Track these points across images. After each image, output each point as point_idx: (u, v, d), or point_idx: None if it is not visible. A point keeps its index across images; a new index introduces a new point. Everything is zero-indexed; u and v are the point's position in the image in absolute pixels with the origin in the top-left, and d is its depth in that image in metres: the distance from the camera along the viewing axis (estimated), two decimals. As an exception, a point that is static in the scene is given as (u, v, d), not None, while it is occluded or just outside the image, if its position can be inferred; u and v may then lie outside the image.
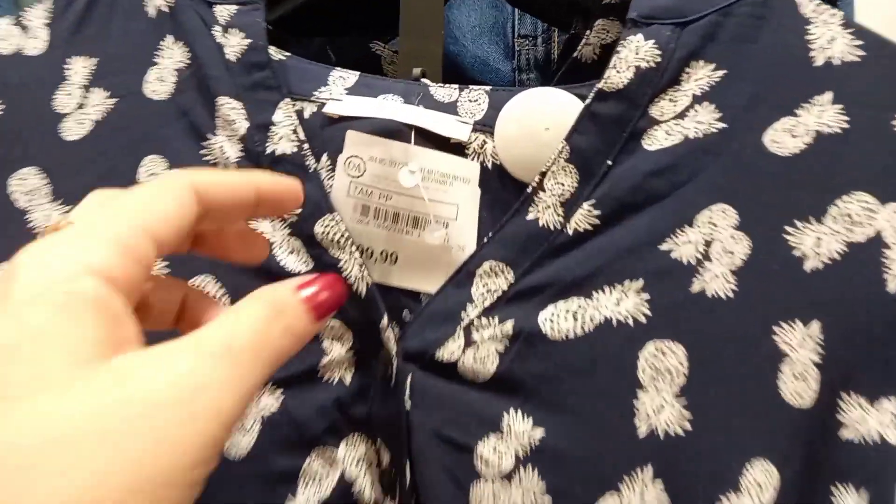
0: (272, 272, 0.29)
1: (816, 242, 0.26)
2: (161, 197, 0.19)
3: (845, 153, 0.27)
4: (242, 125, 0.29)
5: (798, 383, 0.26)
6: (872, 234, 0.26)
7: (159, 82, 0.31)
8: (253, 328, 0.18)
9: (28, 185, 0.31)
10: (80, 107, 0.32)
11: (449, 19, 0.45)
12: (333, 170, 0.29)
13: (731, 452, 0.26)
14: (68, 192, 0.31)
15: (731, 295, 0.26)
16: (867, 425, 0.26)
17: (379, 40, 0.41)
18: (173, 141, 0.31)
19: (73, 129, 0.31)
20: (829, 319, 0.26)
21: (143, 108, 0.31)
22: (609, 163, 0.27)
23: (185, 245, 0.21)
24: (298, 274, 0.28)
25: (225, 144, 0.30)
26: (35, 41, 0.33)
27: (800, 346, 0.26)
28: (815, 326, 0.26)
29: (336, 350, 0.28)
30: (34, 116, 0.32)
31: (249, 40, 0.30)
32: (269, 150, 0.29)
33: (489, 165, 0.29)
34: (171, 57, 0.31)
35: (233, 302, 0.28)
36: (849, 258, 0.26)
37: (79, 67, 0.32)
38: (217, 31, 0.31)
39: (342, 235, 0.28)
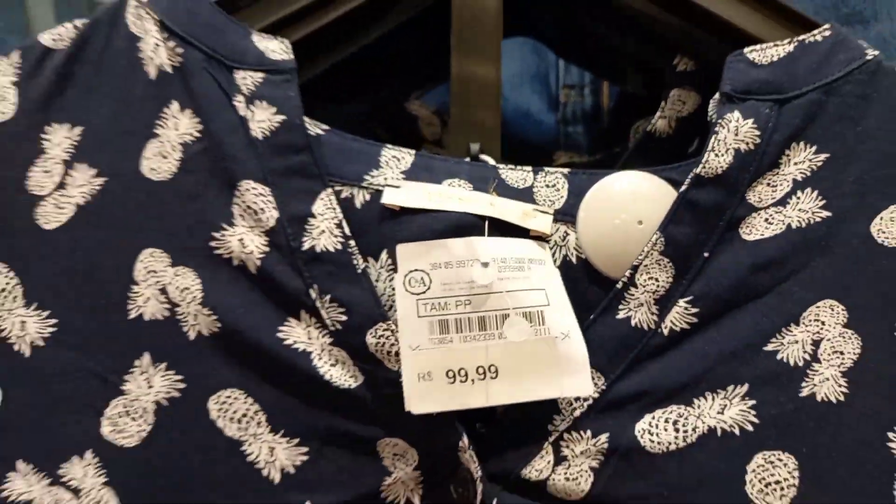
0: (316, 385, 0.27)
1: (932, 339, 0.26)
2: None
3: (958, 243, 0.27)
4: (271, 216, 0.28)
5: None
6: None
7: (160, 158, 0.29)
8: None
9: None
10: (60, 187, 0.29)
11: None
12: (394, 270, 0.27)
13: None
14: (44, 295, 0.28)
15: (842, 399, 0.26)
16: None
17: (412, 92, 0.40)
18: (177, 231, 0.28)
19: (52, 215, 0.29)
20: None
21: (139, 190, 0.29)
22: (706, 255, 0.27)
23: None
24: (347, 389, 0.27)
25: (245, 237, 0.28)
26: (2, 104, 0.30)
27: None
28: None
29: (400, 469, 0.27)
30: (2, 198, 0.29)
31: (282, 116, 0.28)
32: (305, 247, 0.27)
33: (573, 259, 0.28)
34: (177, 128, 0.29)
35: (268, 421, 0.27)
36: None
37: (60, 138, 0.29)
38: (239, 102, 0.29)
39: (397, 347, 0.26)
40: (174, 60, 0.29)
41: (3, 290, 0.28)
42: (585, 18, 0.37)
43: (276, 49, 0.30)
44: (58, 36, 0.30)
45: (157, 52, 0.29)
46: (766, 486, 0.26)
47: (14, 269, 0.28)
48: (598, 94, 0.49)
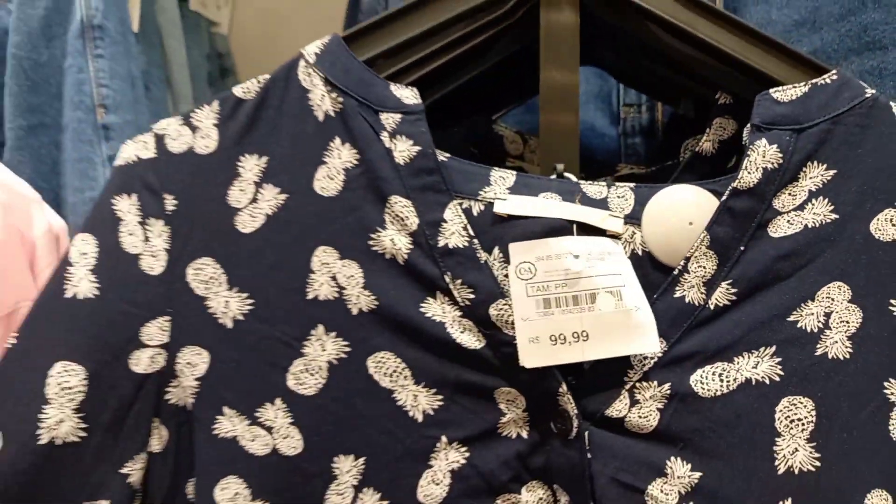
0: (449, 347, 0.37)
1: (916, 312, 0.35)
2: None
3: (937, 237, 0.35)
4: (413, 221, 0.37)
5: (905, 426, 0.35)
6: (961, 303, 0.35)
7: (328, 180, 0.39)
8: None
9: (205, 274, 0.39)
10: (253, 201, 0.39)
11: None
12: (505, 261, 0.37)
13: (854, 485, 0.34)
14: (243, 281, 0.39)
15: (848, 357, 0.35)
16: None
17: (492, 115, 0.50)
18: (343, 233, 0.38)
19: (248, 222, 0.39)
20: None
21: (313, 204, 0.39)
22: (742, 248, 0.36)
23: None
24: (473, 349, 0.36)
25: (395, 237, 0.38)
26: (205, 140, 0.40)
27: (903, 396, 0.35)
28: (916, 380, 0.35)
29: (512, 411, 0.37)
30: (209, 210, 0.39)
31: (418, 147, 0.38)
32: (440, 244, 0.37)
33: (639, 252, 0.37)
34: (340, 157, 0.39)
35: (412, 376, 0.36)
36: (943, 324, 0.35)
37: (251, 165, 0.40)
38: (385, 137, 0.38)
39: (512, 317, 0.36)
40: (336, 107, 0.39)
41: (213, 277, 0.39)
42: (642, 59, 0.46)
43: (409, 96, 0.39)
44: (246, 89, 0.40)
45: (323, 101, 0.39)
46: (790, 422, 0.35)
47: (220, 262, 0.39)
48: (653, 111, 0.58)
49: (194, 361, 0.38)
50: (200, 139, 0.40)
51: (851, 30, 0.53)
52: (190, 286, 0.38)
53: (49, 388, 0.36)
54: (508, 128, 0.52)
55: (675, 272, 0.36)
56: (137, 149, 0.40)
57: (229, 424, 0.38)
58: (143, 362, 0.38)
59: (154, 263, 0.39)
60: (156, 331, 0.38)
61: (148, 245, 0.39)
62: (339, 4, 0.95)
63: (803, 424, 0.35)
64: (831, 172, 0.36)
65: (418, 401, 0.37)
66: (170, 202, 0.39)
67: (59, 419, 0.36)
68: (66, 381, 0.37)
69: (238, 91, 0.40)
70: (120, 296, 0.38)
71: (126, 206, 0.39)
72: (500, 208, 0.37)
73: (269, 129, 0.40)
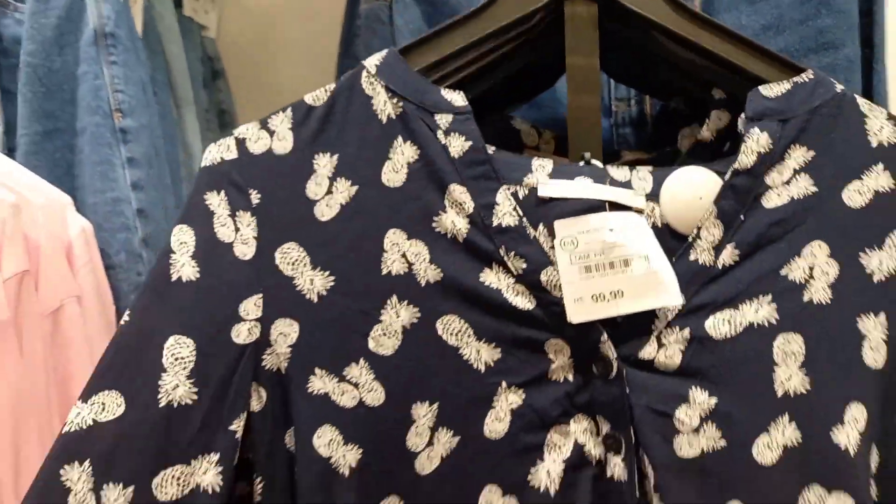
0: (505, 309, 0.44)
1: (880, 262, 0.44)
2: None
3: (893, 203, 0.45)
4: (470, 205, 0.45)
5: (874, 353, 0.44)
6: (913, 254, 0.44)
7: (393, 173, 0.46)
8: None
9: (291, 257, 0.46)
10: (328, 193, 0.46)
11: (554, 89, 0.61)
12: (550, 237, 0.44)
13: (837, 400, 0.43)
14: (323, 260, 0.45)
15: (829, 301, 0.44)
16: (919, 377, 0.44)
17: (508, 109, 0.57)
18: (409, 217, 0.46)
19: (325, 212, 0.46)
20: (891, 311, 0.44)
21: (381, 194, 0.46)
22: (742, 218, 0.44)
23: None
24: (526, 309, 0.44)
25: (455, 220, 0.45)
26: (282, 142, 0.47)
27: (874, 330, 0.44)
28: (882, 316, 0.44)
29: (560, 359, 0.45)
30: (290, 202, 0.46)
31: (470, 142, 0.46)
32: (495, 224, 0.45)
33: (659, 224, 0.45)
34: (403, 154, 0.46)
35: (475, 334, 0.44)
36: (900, 271, 0.44)
37: (325, 162, 0.47)
38: (441, 136, 0.46)
39: (559, 281, 0.44)
40: (396, 111, 0.46)
41: (298, 259, 0.45)
42: (644, 63, 0.54)
43: (457, 98, 0.47)
44: (315, 97, 0.47)
45: (385, 106, 0.46)
46: (785, 354, 0.44)
47: (303, 246, 0.45)
48: (642, 105, 0.66)
49: (286, 331, 0.45)
50: (278, 141, 0.47)
51: (810, 33, 0.62)
52: (278, 268, 0.45)
53: (165, 359, 0.43)
54: (525, 122, 0.59)
55: (690, 239, 0.45)
56: (221, 151, 0.47)
57: (321, 383, 0.44)
58: (242, 334, 0.44)
59: (246, 250, 0.45)
60: (251, 307, 0.44)
61: (239, 234, 0.45)
62: (323, 7, 1.01)
63: (796, 356, 0.44)
64: (811, 154, 0.45)
65: (481, 355, 0.44)
66: (254, 196, 0.46)
67: (175, 384, 0.43)
68: (178, 352, 0.43)
69: (308, 99, 0.47)
70: (218, 278, 0.44)
71: (216, 201, 0.46)
72: (543, 192, 0.45)
73: (337, 131, 0.47)
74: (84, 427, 0.43)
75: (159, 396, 0.43)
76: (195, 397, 0.43)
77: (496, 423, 0.44)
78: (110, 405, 0.43)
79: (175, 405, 0.43)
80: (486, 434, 0.44)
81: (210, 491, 0.43)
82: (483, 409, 0.44)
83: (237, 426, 0.44)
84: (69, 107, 0.82)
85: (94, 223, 0.76)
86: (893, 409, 0.45)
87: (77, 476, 0.42)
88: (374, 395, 0.44)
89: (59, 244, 0.72)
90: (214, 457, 0.43)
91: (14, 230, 0.67)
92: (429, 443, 0.44)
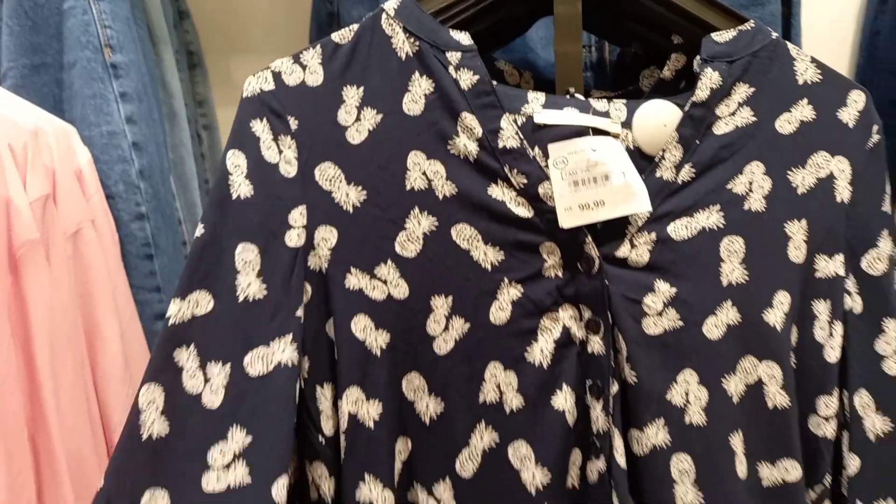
0: (508, 217, 0.54)
1: (803, 178, 0.56)
2: None
3: (815, 131, 0.56)
4: (478, 130, 0.54)
5: (797, 251, 0.56)
6: (828, 173, 0.56)
7: (413, 103, 0.54)
8: None
9: (328, 175, 0.54)
10: (357, 120, 0.54)
11: (525, 36, 0.69)
12: (544, 157, 0.54)
13: (768, 288, 0.55)
14: (357, 177, 0.54)
15: (764, 210, 0.55)
16: (828, 268, 0.56)
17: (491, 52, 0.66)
18: (427, 141, 0.54)
19: (355, 136, 0.54)
20: (810, 217, 0.56)
21: (403, 121, 0.54)
22: (697, 142, 0.55)
23: None
24: (526, 217, 0.54)
25: (467, 143, 0.54)
26: (314, 76, 0.54)
27: (797, 233, 0.56)
28: (804, 222, 0.56)
29: (551, 258, 0.54)
30: (324, 128, 0.54)
31: (477, 76, 0.54)
32: (500, 146, 0.54)
33: (631, 147, 0.55)
34: (420, 86, 0.54)
35: (482, 239, 0.53)
36: (818, 186, 0.56)
37: (352, 93, 0.54)
38: (452, 70, 0.54)
39: (553, 194, 0.53)
40: (413, 49, 0.54)
41: (334, 176, 0.53)
42: (609, 14, 0.63)
43: (464, 38, 0.55)
44: (342, 36, 0.54)
45: (403, 45, 0.54)
46: (729, 253, 0.55)
47: (338, 165, 0.53)
48: (601, 50, 0.76)
49: (327, 237, 0.53)
50: (310, 75, 0.54)
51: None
52: (318, 183, 0.53)
53: (237, 263, 0.51)
54: (507, 63, 0.68)
55: (656, 160, 0.55)
56: (259, 83, 0.54)
57: (355, 280, 0.53)
58: (293, 239, 0.52)
59: (289, 169, 0.53)
60: (298, 216, 0.52)
61: (282, 156, 0.53)
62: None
63: (738, 254, 0.55)
64: (752, 90, 0.56)
65: (487, 256, 0.54)
66: (293, 122, 0.53)
67: (248, 283, 0.51)
68: (246, 256, 0.51)
69: (335, 37, 0.54)
70: (269, 193, 0.52)
71: (260, 128, 0.53)
72: (539, 119, 0.54)
73: (362, 66, 0.54)
74: (185, 320, 0.51)
75: (237, 293, 0.51)
76: (266, 293, 0.51)
77: (499, 312, 0.54)
78: (202, 302, 0.51)
79: (251, 300, 0.51)
80: (492, 320, 0.54)
81: (289, 365, 0.51)
82: (489, 300, 0.54)
83: (300, 313, 0.52)
84: (55, 41, 0.84)
85: (91, 155, 0.81)
86: (810, 296, 0.57)
87: (186, 357, 0.50)
88: (400, 289, 0.53)
89: (71, 170, 0.76)
90: (288, 338, 0.51)
91: (35, 155, 0.71)
92: (445, 328, 0.54)
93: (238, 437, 0.50)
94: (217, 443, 0.50)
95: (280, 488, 0.50)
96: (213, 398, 0.50)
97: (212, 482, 0.49)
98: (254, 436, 0.50)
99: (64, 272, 0.69)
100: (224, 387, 0.50)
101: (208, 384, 0.50)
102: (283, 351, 0.51)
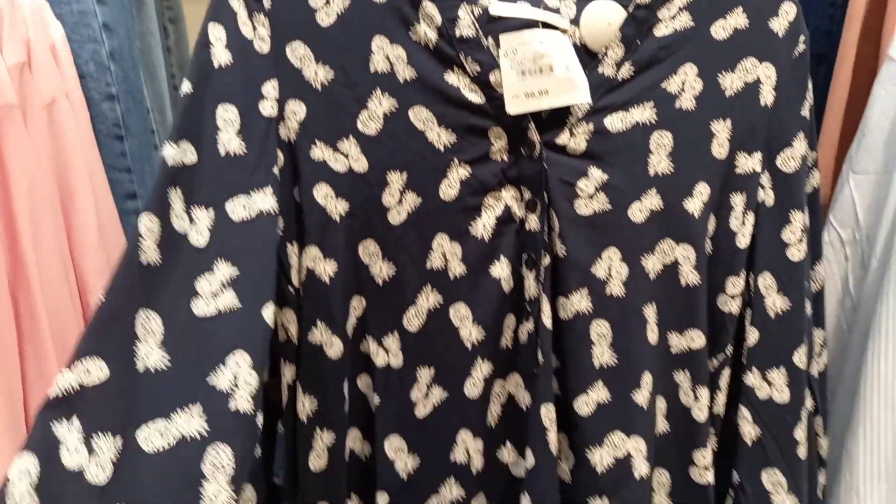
0: (461, 102, 0.59)
1: (731, 81, 0.61)
2: None
3: (746, 37, 0.61)
4: (438, 18, 0.58)
5: (720, 148, 0.62)
6: (755, 78, 0.62)
7: None
8: None
9: (299, 53, 0.59)
10: (326, 4, 0.59)
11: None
12: (497, 47, 0.59)
13: (691, 178, 0.62)
14: (325, 57, 0.59)
15: (693, 108, 0.61)
16: (747, 165, 0.63)
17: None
18: (391, 26, 0.59)
19: (324, 19, 0.59)
20: (735, 118, 0.62)
21: (369, 7, 0.59)
22: (639, 42, 0.60)
23: None
24: (477, 103, 0.59)
25: (427, 30, 0.59)
26: None
27: (721, 131, 0.62)
28: (729, 121, 0.62)
29: (498, 143, 0.60)
30: (296, 9, 0.58)
31: None
32: (457, 34, 0.58)
33: (578, 43, 0.60)
34: None
35: (437, 122, 0.59)
36: (745, 89, 0.62)
37: None
38: None
39: (502, 81, 0.58)
40: None
41: (305, 55, 0.58)
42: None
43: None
44: None
45: None
46: (658, 146, 0.61)
47: (308, 45, 0.58)
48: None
49: (296, 110, 0.58)
50: None
51: None
52: (289, 60, 0.58)
53: (219, 121, 0.56)
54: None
55: (599, 56, 0.60)
56: (236, -37, 0.58)
57: (320, 152, 0.59)
58: (266, 109, 0.58)
59: (263, 45, 0.58)
60: (271, 89, 0.58)
61: (256, 33, 0.57)
62: None
63: (665, 147, 0.61)
64: (692, -4, 0.61)
65: (441, 137, 0.60)
66: (266, 2, 0.58)
67: (229, 139, 0.56)
68: (227, 116, 0.56)
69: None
70: (246, 64, 0.57)
71: (237, 4, 0.57)
72: (493, 11, 0.59)
73: None
74: (178, 165, 0.56)
75: (219, 147, 0.56)
76: (245, 150, 0.57)
77: (448, 189, 0.60)
78: (188, 152, 0.56)
79: (232, 154, 0.57)
80: (441, 196, 0.60)
81: (271, 213, 0.58)
82: (440, 178, 0.60)
83: (276, 171, 0.58)
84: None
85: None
86: (728, 189, 0.64)
87: (175, 198, 0.56)
88: (360, 163, 0.59)
89: (46, 43, 0.80)
90: (268, 190, 0.58)
91: (11, 24, 0.74)
92: (399, 201, 0.60)
93: (224, 270, 0.57)
94: (204, 274, 0.56)
95: (269, 313, 0.57)
96: (199, 238, 0.56)
97: (202, 307, 0.56)
98: (240, 269, 0.57)
99: (41, 139, 0.73)
100: (209, 229, 0.57)
101: (194, 226, 0.56)
102: (263, 201, 0.58)
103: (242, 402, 0.54)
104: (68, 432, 0.52)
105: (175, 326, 0.55)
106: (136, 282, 0.56)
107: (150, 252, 0.56)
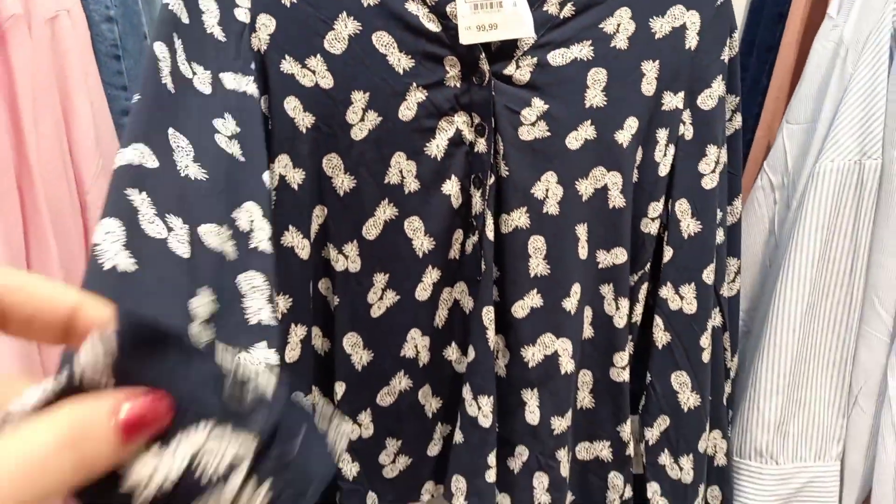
0: (420, 29, 0.65)
1: (661, 26, 0.69)
2: None
3: (675, -13, 0.69)
4: None
5: (648, 85, 0.70)
6: (682, 24, 0.69)
7: None
8: (33, 454, 0.19)
9: None
10: None
11: None
12: None
13: (622, 112, 0.69)
14: None
15: (626, 48, 0.69)
16: (671, 102, 0.71)
17: None
18: None
19: None
20: (662, 59, 0.70)
21: None
22: (581, -14, 0.67)
23: None
24: (434, 31, 0.66)
25: None
26: None
27: (650, 70, 0.70)
28: (657, 62, 0.70)
29: (452, 70, 0.67)
30: None
31: None
32: None
33: (527, -17, 0.67)
34: None
35: (398, 47, 0.65)
36: (672, 33, 0.69)
37: None
38: None
39: (457, 13, 0.65)
40: None
41: None
42: None
43: None
44: None
45: None
46: (594, 81, 0.68)
47: None
48: None
49: (267, 24, 0.64)
50: None
51: None
52: None
53: (202, 6, 0.61)
54: None
55: (545, -4, 0.67)
56: None
57: (288, 66, 0.65)
58: (241, 15, 0.63)
59: None
60: (244, 0, 0.63)
61: None
62: None
63: (600, 82, 0.69)
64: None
65: (401, 62, 0.66)
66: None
67: (213, 24, 0.61)
68: (209, 6, 0.61)
69: None
70: None
71: None
72: (451, -49, 0.65)
73: None
74: (174, 22, 0.60)
75: (206, 27, 0.61)
76: (225, 38, 0.62)
77: (406, 111, 0.67)
78: (184, 17, 0.60)
79: (215, 37, 0.62)
80: (400, 117, 0.67)
81: (254, 97, 0.64)
82: (399, 100, 0.67)
83: (253, 65, 0.64)
84: None
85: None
86: (655, 124, 0.72)
87: (179, 47, 0.60)
88: (326, 80, 0.65)
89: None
90: (251, 77, 0.63)
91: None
92: (361, 119, 0.66)
93: (230, 121, 0.62)
94: (217, 117, 0.61)
95: (266, 180, 0.63)
96: (203, 87, 0.61)
97: (223, 142, 0.61)
98: (240, 127, 0.62)
99: (43, 51, 0.77)
100: (210, 83, 0.62)
101: (196, 76, 0.61)
102: (249, 85, 0.63)
103: (262, 242, 0.60)
104: (142, 204, 0.55)
105: (202, 149, 0.60)
106: (161, 98, 0.59)
107: (166, 79, 0.59)
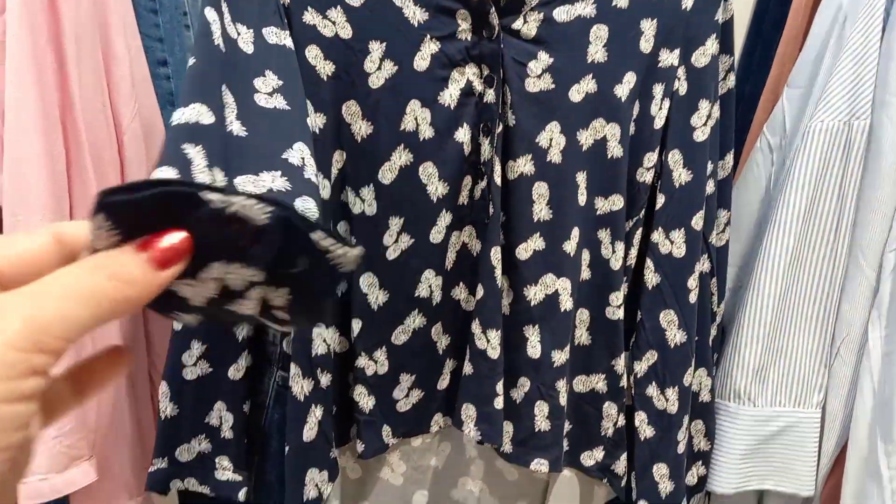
0: None
1: (659, -13, 0.74)
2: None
3: (673, -50, 0.73)
4: None
5: (646, 43, 0.75)
6: (678, -16, 0.74)
7: None
8: (71, 273, 0.23)
9: None
10: None
11: None
12: None
13: (621, 68, 0.74)
14: None
15: (626, 6, 0.73)
16: (667, 59, 0.76)
17: None
18: None
19: None
20: (660, 18, 0.74)
21: None
22: (585, -54, 0.71)
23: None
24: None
25: None
26: None
27: (648, 28, 0.74)
28: (655, 21, 0.74)
29: (464, 24, 0.71)
30: None
31: None
32: None
33: (535, -57, 0.71)
34: None
35: (414, 2, 0.69)
36: (669, -6, 0.74)
37: None
38: None
39: None
40: None
41: None
42: None
43: None
44: None
45: None
46: (596, 37, 0.73)
47: None
48: None
49: None
50: None
51: None
52: None
53: None
54: None
55: (552, -45, 0.71)
56: None
57: (310, 17, 0.69)
58: None
59: None
60: (270, -42, 0.67)
61: None
62: None
63: (602, 38, 0.73)
64: None
65: (416, 15, 0.70)
66: None
67: None
68: None
69: None
70: None
71: None
72: None
73: None
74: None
75: None
76: None
77: (421, 61, 0.71)
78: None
79: None
80: (415, 67, 0.71)
81: (291, 49, 0.68)
82: (414, 50, 0.71)
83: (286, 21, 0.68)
84: None
85: None
86: (651, 80, 0.76)
87: (225, 8, 0.65)
88: (346, 30, 0.69)
89: None
90: (286, 31, 0.68)
91: None
92: (378, 67, 0.70)
93: (272, 77, 0.66)
94: (258, 76, 0.66)
95: (310, 124, 0.67)
96: (246, 47, 0.66)
97: (262, 100, 0.65)
98: (282, 80, 0.66)
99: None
100: (252, 42, 0.66)
101: (241, 37, 0.66)
102: (285, 38, 0.68)
103: (312, 175, 0.65)
104: (196, 155, 0.59)
105: (244, 107, 0.64)
106: (213, 59, 0.64)
107: (218, 41, 0.64)
